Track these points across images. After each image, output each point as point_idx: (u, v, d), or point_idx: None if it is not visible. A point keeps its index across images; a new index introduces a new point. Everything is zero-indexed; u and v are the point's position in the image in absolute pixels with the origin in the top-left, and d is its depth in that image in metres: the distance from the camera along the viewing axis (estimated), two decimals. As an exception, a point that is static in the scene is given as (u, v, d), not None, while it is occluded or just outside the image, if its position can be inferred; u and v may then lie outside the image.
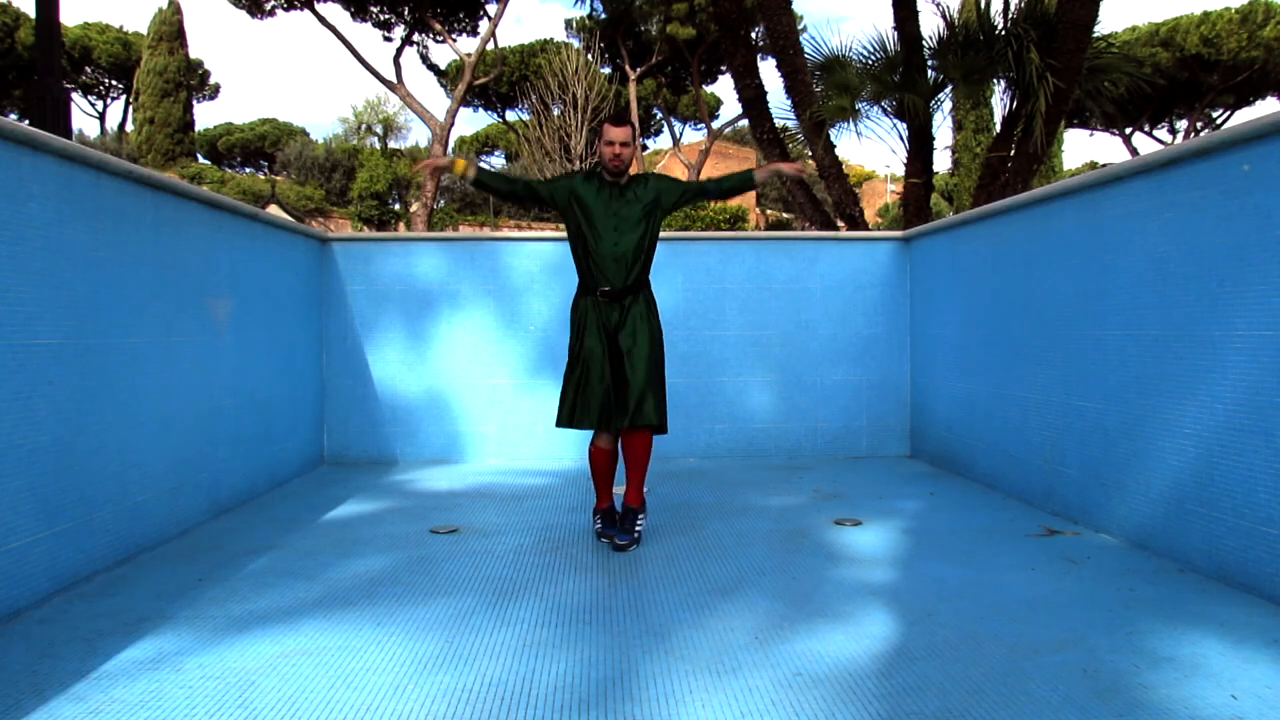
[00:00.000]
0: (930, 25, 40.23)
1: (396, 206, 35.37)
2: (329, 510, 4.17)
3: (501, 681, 2.17)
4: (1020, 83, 7.19)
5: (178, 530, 3.67)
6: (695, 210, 31.45)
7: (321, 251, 5.56)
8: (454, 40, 25.67)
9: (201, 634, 2.48)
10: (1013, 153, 7.67)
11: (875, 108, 8.18)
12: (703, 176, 30.61)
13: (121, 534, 3.24)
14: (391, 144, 40.51)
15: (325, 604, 2.76)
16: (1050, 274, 3.97)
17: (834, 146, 8.42)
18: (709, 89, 34.46)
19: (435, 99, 51.57)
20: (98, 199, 3.17)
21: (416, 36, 26.77)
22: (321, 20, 23.12)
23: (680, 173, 32.67)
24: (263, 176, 38.49)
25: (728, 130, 32.80)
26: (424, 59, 29.21)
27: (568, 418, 3.53)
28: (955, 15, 8.03)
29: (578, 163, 23.36)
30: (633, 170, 3.69)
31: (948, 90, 8.29)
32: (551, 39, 32.77)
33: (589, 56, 25.54)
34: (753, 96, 8.56)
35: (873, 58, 8.12)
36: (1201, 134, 7.42)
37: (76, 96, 37.95)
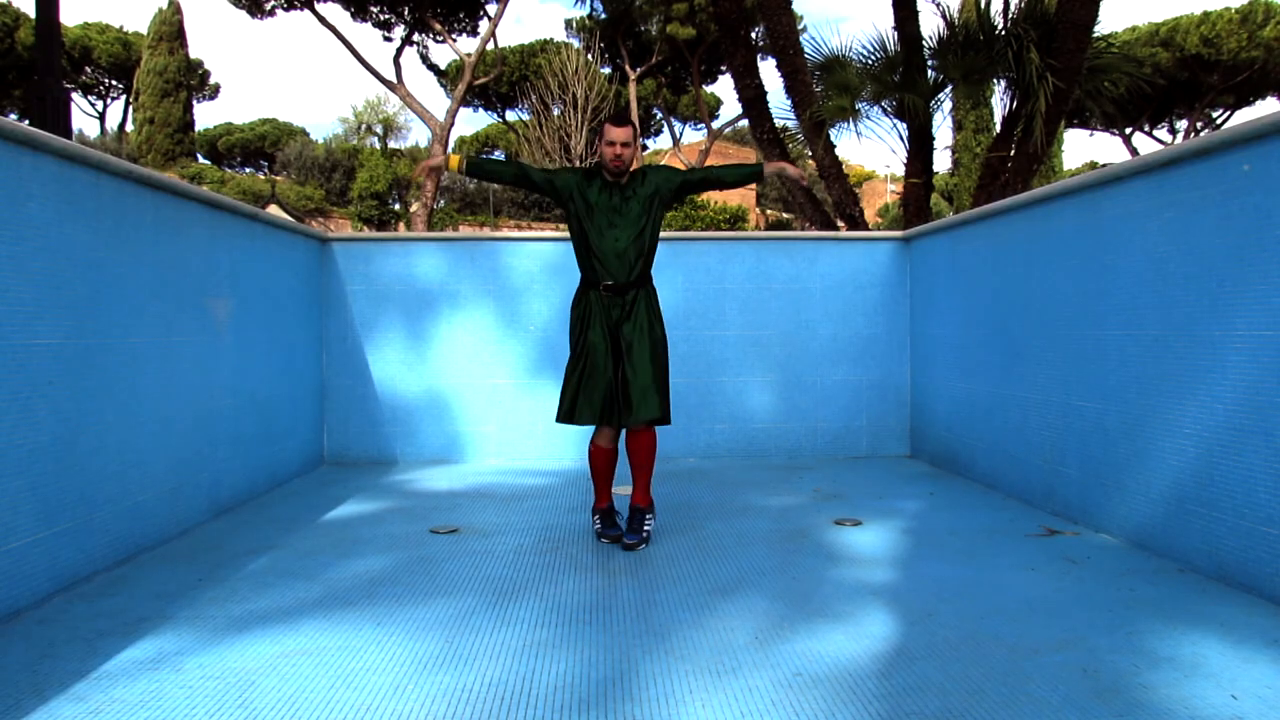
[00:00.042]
0: (930, 25, 40.24)
1: (396, 206, 35.38)
2: (329, 510, 4.17)
3: (501, 681, 2.17)
4: (1020, 83, 7.19)
5: (178, 530, 3.67)
6: (695, 210, 31.47)
7: (321, 251, 5.56)
8: (454, 40, 25.67)
9: (201, 634, 2.48)
10: (1013, 153, 7.67)
11: (875, 108, 8.18)
12: (703, 176, 30.58)
13: (121, 534, 3.24)
14: (391, 144, 40.53)
15: (325, 604, 2.76)
16: (1050, 274, 3.97)
17: (834, 146, 8.42)
18: (709, 89, 34.47)
19: (435, 99, 51.61)
20: (98, 199, 3.17)
21: (416, 36, 26.76)
22: (321, 20, 23.11)
23: (680, 173, 32.59)
24: (263, 176, 38.50)
25: (728, 130, 32.78)
26: (424, 59, 29.20)
27: (568, 413, 3.53)
28: (955, 15, 8.03)
29: (578, 163, 23.38)
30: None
31: (948, 90, 8.29)
32: (551, 39, 32.78)
33: (589, 56, 25.55)
34: (753, 96, 8.56)
35: (873, 58, 8.12)
36: (1201, 134, 7.42)
37: (76, 96, 37.95)
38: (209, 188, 27.06)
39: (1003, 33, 7.43)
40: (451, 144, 25.39)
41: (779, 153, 8.67)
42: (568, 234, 3.82)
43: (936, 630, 2.47)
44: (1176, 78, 24.62)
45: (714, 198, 33.11)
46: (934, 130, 8.17)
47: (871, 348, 5.74)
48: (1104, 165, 5.43)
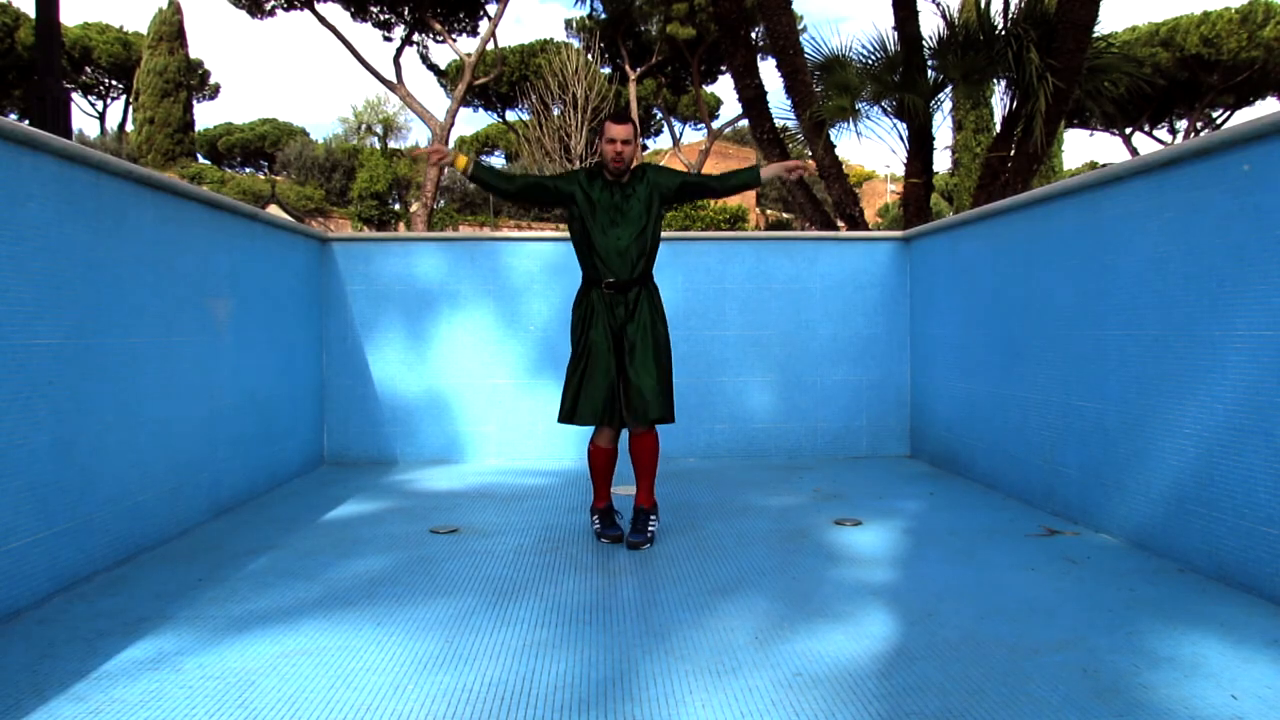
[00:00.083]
0: (930, 25, 40.24)
1: (396, 206, 35.38)
2: (329, 510, 4.17)
3: (501, 681, 2.17)
4: (1020, 83, 7.19)
5: (178, 530, 3.67)
6: (695, 210, 31.46)
7: (321, 251, 5.56)
8: (454, 40, 25.68)
9: (201, 634, 2.48)
10: (1013, 153, 7.67)
11: (875, 108, 8.18)
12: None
13: (121, 534, 3.24)
14: (391, 144, 40.52)
15: (325, 604, 2.76)
16: (1050, 274, 3.97)
17: (834, 146, 8.42)
18: (709, 89, 34.47)
19: (435, 99, 51.60)
20: (98, 199, 3.17)
21: (416, 36, 26.77)
22: (321, 20, 23.11)
23: (680, 173, 32.60)
24: (263, 176, 38.51)
25: (728, 130, 32.79)
26: (424, 59, 29.21)
27: (569, 413, 3.52)
28: (955, 15, 8.03)
29: (578, 163, 23.37)
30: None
31: (948, 90, 8.29)
32: (551, 39, 32.79)
33: (589, 56, 25.54)
34: (753, 96, 8.56)
35: (873, 58, 8.12)
36: (1201, 134, 7.42)
37: (76, 96, 37.95)
38: (209, 188, 27.06)
39: (1003, 33, 7.43)
40: (451, 144, 25.40)
41: (779, 153, 8.67)
42: (568, 234, 3.81)
43: (936, 630, 2.47)
44: (1176, 78, 24.63)
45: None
46: (934, 130, 8.17)
47: (871, 348, 5.74)
48: (1104, 165, 5.42)
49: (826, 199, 9.31)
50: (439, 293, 5.62)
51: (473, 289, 5.63)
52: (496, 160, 39.84)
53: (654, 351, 3.51)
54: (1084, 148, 51.46)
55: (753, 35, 9.83)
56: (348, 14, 25.17)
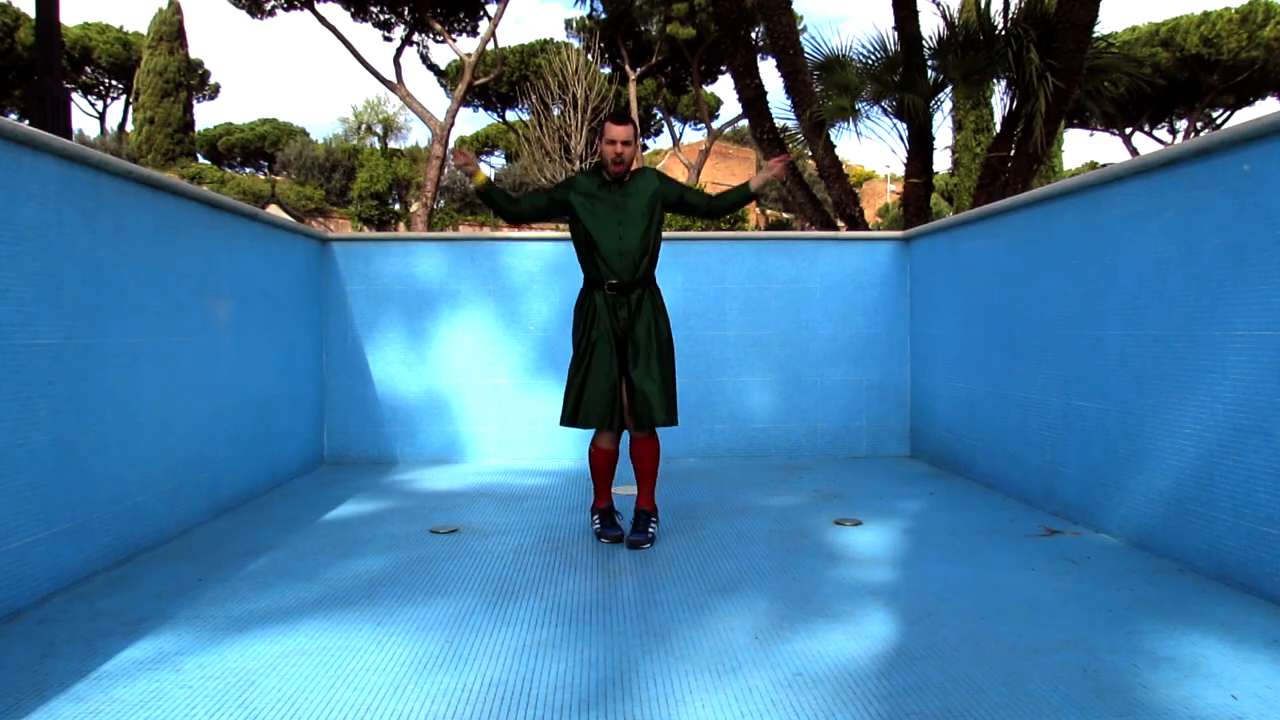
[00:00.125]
0: (930, 25, 40.25)
1: (396, 206, 35.39)
2: (329, 510, 4.17)
3: (501, 681, 2.17)
4: (1020, 83, 7.19)
5: (178, 530, 3.67)
6: (695, 209, 31.38)
7: (321, 251, 5.56)
8: (454, 40, 25.67)
9: (201, 634, 2.48)
10: (1013, 153, 7.67)
11: (875, 108, 8.18)
12: (703, 177, 30.64)
13: (121, 534, 3.24)
14: (391, 144, 40.53)
15: (325, 604, 2.76)
16: (1050, 274, 3.97)
17: (834, 146, 8.42)
18: (709, 89, 34.47)
19: (435, 99, 51.61)
20: (97, 199, 3.17)
21: (416, 36, 26.76)
22: (321, 20, 23.11)
23: (680, 172, 32.66)
24: (263, 176, 38.51)
25: (728, 130, 32.79)
26: (424, 59, 29.21)
27: (571, 416, 3.51)
28: (955, 15, 8.03)
29: (578, 163, 23.36)
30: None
31: (948, 90, 8.29)
32: (551, 39, 32.78)
33: (589, 56, 25.52)
34: (753, 96, 8.56)
35: (873, 58, 8.12)
36: (1201, 134, 7.42)
37: (76, 96, 37.95)
38: (209, 188, 27.06)
39: (1003, 33, 7.43)
40: (451, 144, 25.36)
41: (779, 153, 8.66)
42: (568, 234, 3.81)
43: (936, 630, 2.47)
44: (1176, 78, 24.63)
45: (714, 197, 33.08)
46: (934, 130, 8.17)
47: (871, 348, 5.74)
48: (1104, 165, 5.42)
49: (826, 199, 9.31)
50: (439, 293, 5.62)
51: (473, 289, 5.63)
52: (496, 161, 39.88)
53: (658, 355, 3.50)
54: (1084, 148, 51.52)
55: (753, 35, 9.83)
56: (348, 14, 25.17)
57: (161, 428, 3.56)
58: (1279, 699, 2.01)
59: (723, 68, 28.10)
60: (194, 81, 37.73)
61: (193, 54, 37.23)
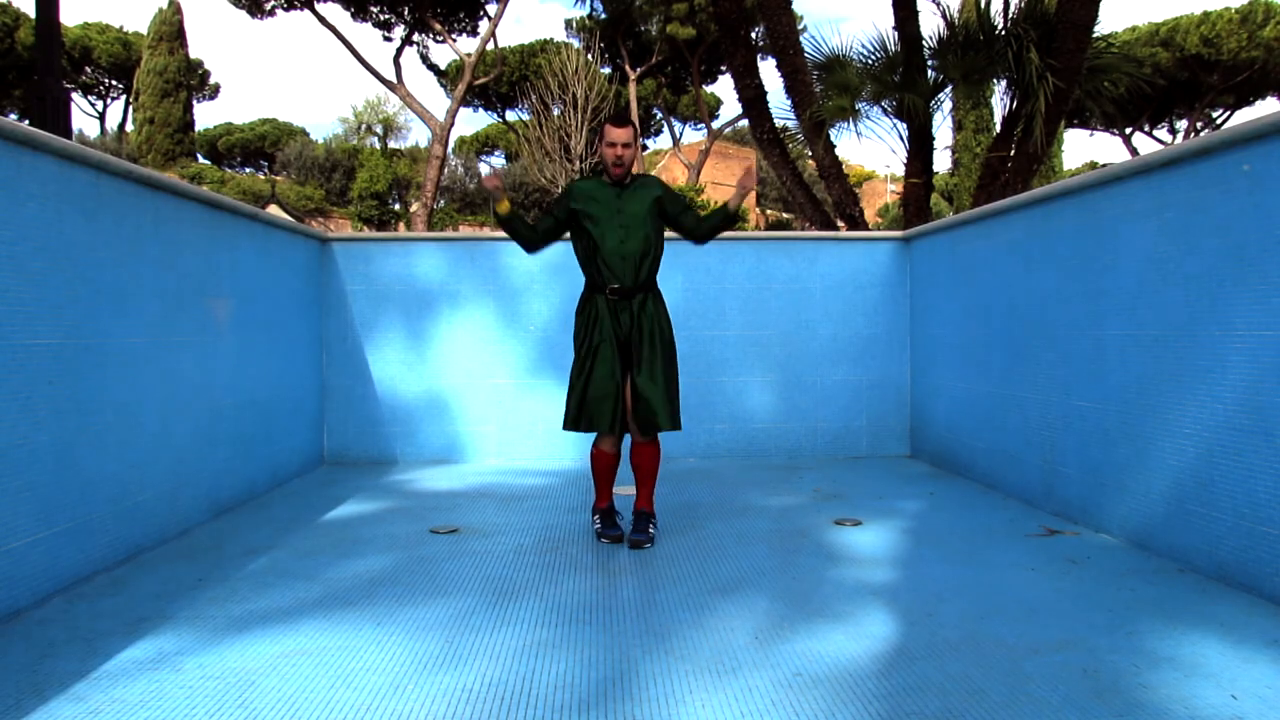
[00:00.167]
0: (930, 25, 40.26)
1: (396, 206, 35.39)
2: (329, 510, 4.17)
3: (501, 681, 2.17)
4: (1020, 83, 7.19)
5: (178, 530, 3.67)
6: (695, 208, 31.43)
7: (321, 251, 5.56)
8: (454, 40, 25.68)
9: (201, 634, 2.48)
10: (1013, 153, 7.67)
11: (875, 108, 8.18)
12: (703, 177, 30.65)
13: (121, 534, 3.24)
14: (391, 144, 40.52)
15: (325, 604, 2.76)
16: (1050, 274, 3.97)
17: (834, 146, 8.42)
18: (709, 89, 34.48)
19: (435, 99, 51.63)
20: (97, 199, 3.17)
21: (416, 36, 26.77)
22: (321, 20, 23.12)
23: (680, 172, 32.70)
24: (263, 176, 38.51)
25: (728, 130, 32.80)
26: (424, 59, 29.22)
27: (574, 420, 3.51)
28: (955, 15, 8.03)
29: (578, 163, 23.36)
30: (634, 171, 3.68)
31: (948, 90, 8.29)
32: (551, 39, 32.78)
33: (589, 56, 25.52)
34: (753, 96, 8.56)
35: (873, 58, 8.12)
36: (1201, 134, 7.42)
37: (76, 96, 37.96)
38: (209, 188, 27.06)
39: (1003, 33, 7.43)
40: (451, 144, 25.36)
41: (779, 153, 8.67)
42: (568, 235, 3.81)
43: (936, 630, 2.47)
44: (1176, 78, 24.63)
45: (714, 197, 33.12)
46: (934, 130, 8.17)
47: (871, 348, 5.74)
48: (1104, 165, 5.42)
49: (826, 199, 9.31)
50: (439, 293, 5.62)
51: (473, 289, 5.63)
52: (497, 161, 39.90)
53: (662, 360, 3.49)
54: (1084, 148, 51.55)
55: (753, 35, 9.83)
56: (348, 14, 25.18)
57: (161, 428, 3.56)
58: (1279, 699, 2.01)
59: (723, 68, 28.11)
60: (194, 81, 37.74)
61: (193, 54, 37.25)
